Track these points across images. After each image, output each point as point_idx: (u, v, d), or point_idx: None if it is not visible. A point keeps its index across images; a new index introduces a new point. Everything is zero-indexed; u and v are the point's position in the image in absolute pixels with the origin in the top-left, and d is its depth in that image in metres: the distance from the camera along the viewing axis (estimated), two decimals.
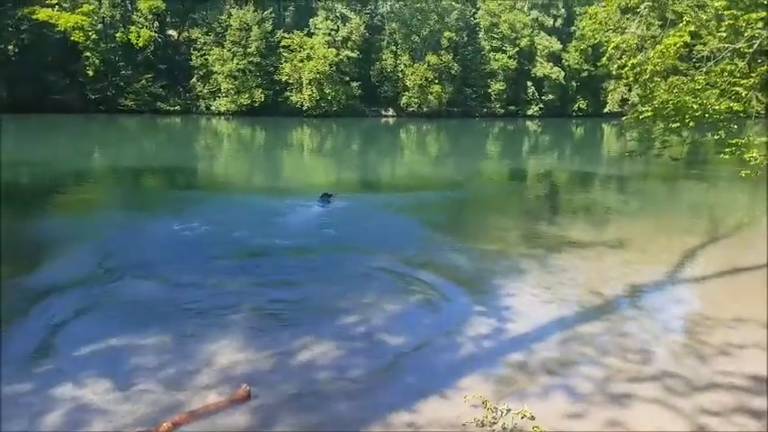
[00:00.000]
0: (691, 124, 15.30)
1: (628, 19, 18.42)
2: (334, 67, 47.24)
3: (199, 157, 25.72)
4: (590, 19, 16.63)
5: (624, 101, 59.32)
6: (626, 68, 15.64)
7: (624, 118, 19.02)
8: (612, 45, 15.28)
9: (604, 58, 20.01)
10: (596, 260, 9.03)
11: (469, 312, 6.73)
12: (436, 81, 51.97)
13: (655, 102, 15.98)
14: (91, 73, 41.47)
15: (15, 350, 5.54)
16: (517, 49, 54.87)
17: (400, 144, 35.69)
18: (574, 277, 8.12)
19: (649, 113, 16.57)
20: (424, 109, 52.24)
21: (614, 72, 16.47)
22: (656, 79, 16.35)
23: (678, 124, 16.10)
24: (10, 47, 39.05)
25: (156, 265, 8.25)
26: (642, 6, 14.73)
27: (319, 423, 4.44)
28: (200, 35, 47.18)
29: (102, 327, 6.09)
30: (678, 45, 14.26)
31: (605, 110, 60.66)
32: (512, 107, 57.02)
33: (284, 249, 9.37)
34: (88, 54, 41.65)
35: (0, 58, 38.94)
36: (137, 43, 43.05)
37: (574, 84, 58.73)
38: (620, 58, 16.23)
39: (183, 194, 15.62)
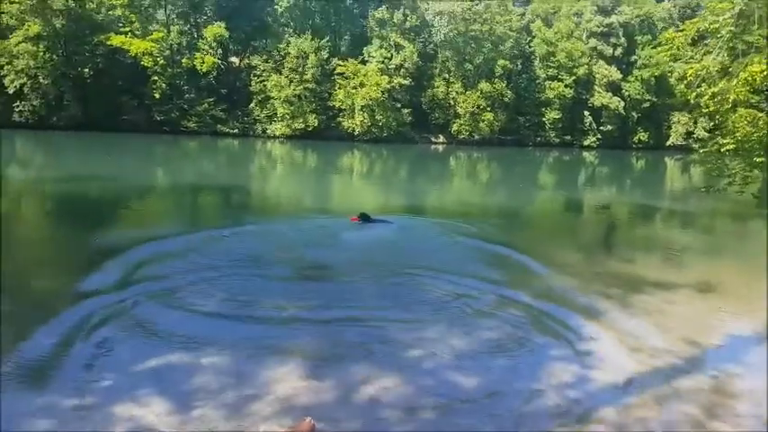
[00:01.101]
0: None
1: (698, 50, 17.31)
2: (386, 94, 47.70)
3: (254, 177, 26.18)
4: (665, 44, 15.77)
5: (689, 134, 56.78)
6: (705, 97, 14.60)
7: (701, 150, 17.65)
8: (692, 72, 14.36)
9: (682, 86, 18.95)
10: (684, 304, 8.10)
11: (547, 356, 6.03)
12: (488, 109, 51.48)
13: (737, 134, 14.78)
14: (157, 96, 43.76)
15: (71, 364, 5.43)
16: (574, 77, 53.77)
17: (450, 171, 35.19)
18: (662, 323, 7.23)
19: (731, 146, 15.32)
20: (476, 137, 51.70)
21: (692, 101, 15.47)
22: (738, 110, 15.17)
23: (763, 158, 14.76)
24: (86, 70, 41.70)
25: (210, 282, 8.05)
26: (724, 32, 13.78)
27: None
28: (259, 62, 48.85)
29: (157, 344, 5.91)
30: (765, 72, 13.18)
31: (668, 143, 58.25)
32: (567, 137, 55.57)
33: (343, 271, 9.07)
34: (156, 78, 44.01)
35: (77, 80, 41.74)
36: (201, 69, 45.07)
37: (634, 114, 56.82)
38: (699, 86, 15.21)
39: (238, 213, 15.69)
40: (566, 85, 53.50)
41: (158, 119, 44.41)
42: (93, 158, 27.89)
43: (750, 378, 5.80)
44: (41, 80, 40.38)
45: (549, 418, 4.80)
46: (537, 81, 54.64)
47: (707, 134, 54.33)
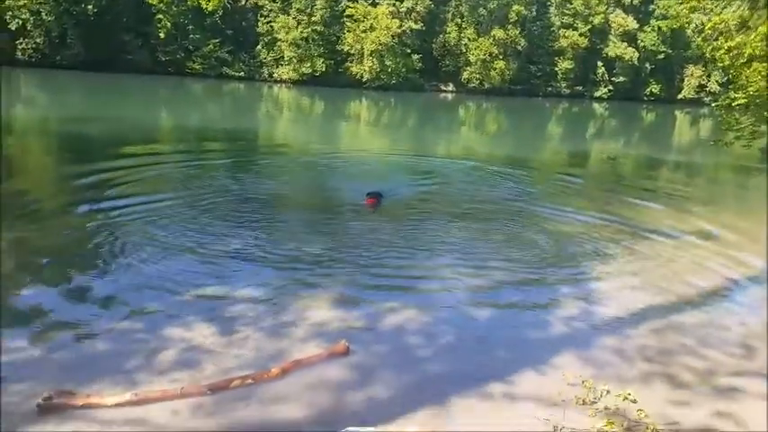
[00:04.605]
0: None
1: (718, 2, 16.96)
2: (396, 39, 46.67)
3: (261, 122, 26.37)
4: None
5: (701, 87, 55.80)
6: (721, 51, 14.52)
7: (713, 104, 17.69)
8: (710, 25, 14.21)
9: (699, 39, 18.67)
10: (687, 249, 8.54)
11: (557, 292, 6.59)
12: (500, 57, 50.44)
13: (750, 89, 14.77)
14: (162, 35, 42.91)
15: (120, 290, 5.92)
16: (589, 26, 52.27)
17: (459, 121, 35.05)
18: (664, 265, 7.72)
19: (743, 100, 15.33)
20: (486, 86, 50.94)
21: (708, 54, 15.34)
22: (754, 64, 15.09)
23: None
24: (89, 7, 40.78)
25: (237, 220, 8.52)
26: None
27: (416, 383, 4.59)
28: (266, 2, 47.55)
29: (194, 276, 6.36)
30: None
31: (679, 96, 57.30)
32: (578, 87, 54.69)
33: (357, 208, 9.62)
34: (160, 17, 43.03)
35: (79, 17, 40.84)
36: (206, 8, 43.59)
37: (648, 66, 55.59)
38: (716, 40, 15.08)
39: (260, 156, 16.23)
40: (580, 34, 52.08)
41: (162, 59, 43.78)
42: (96, 99, 27.88)
43: (741, 314, 6.31)
44: (44, 17, 39.61)
45: (556, 344, 5.35)
46: (551, 29, 53.15)
47: (719, 88, 53.48)
